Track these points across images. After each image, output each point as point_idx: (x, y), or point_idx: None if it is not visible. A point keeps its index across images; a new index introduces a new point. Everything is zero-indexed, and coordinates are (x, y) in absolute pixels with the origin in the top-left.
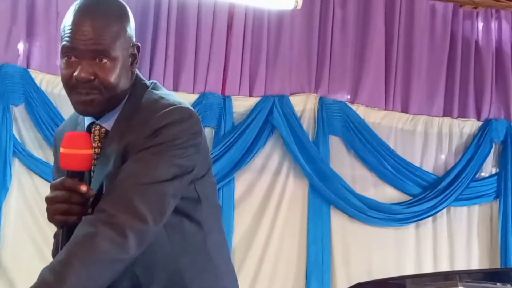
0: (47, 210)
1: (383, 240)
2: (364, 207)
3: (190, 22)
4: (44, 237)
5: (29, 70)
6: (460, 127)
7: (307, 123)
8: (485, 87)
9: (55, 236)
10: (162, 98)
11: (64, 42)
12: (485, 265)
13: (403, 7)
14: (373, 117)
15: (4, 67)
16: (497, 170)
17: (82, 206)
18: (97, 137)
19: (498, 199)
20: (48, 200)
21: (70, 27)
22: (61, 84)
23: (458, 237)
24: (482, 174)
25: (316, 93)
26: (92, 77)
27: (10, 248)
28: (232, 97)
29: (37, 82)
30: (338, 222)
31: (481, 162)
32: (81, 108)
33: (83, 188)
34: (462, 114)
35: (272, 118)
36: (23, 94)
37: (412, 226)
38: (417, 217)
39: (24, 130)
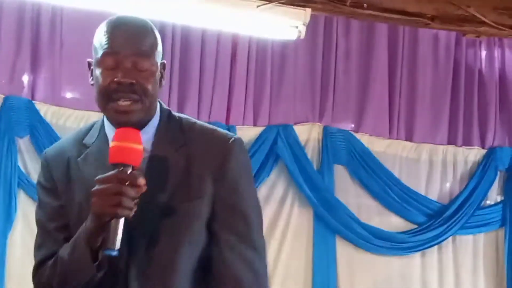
0: (94, 203)
1: (388, 269)
2: (369, 236)
3: (194, 52)
4: None
5: (34, 102)
6: (465, 155)
7: (312, 152)
8: (489, 115)
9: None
10: (208, 125)
11: (103, 50)
12: None
13: (406, 36)
14: (378, 145)
15: (9, 99)
16: (502, 198)
17: (132, 200)
18: None
19: (503, 227)
20: (98, 192)
21: (108, 36)
22: (65, 116)
23: (464, 266)
24: (487, 202)
25: (320, 122)
26: (134, 81)
27: (16, 282)
28: (236, 126)
29: (42, 113)
30: (344, 251)
31: (486, 190)
32: (122, 116)
33: (142, 181)
34: (467, 142)
35: (277, 147)
36: (28, 126)
37: (417, 255)
38: (423, 246)
39: (29, 161)
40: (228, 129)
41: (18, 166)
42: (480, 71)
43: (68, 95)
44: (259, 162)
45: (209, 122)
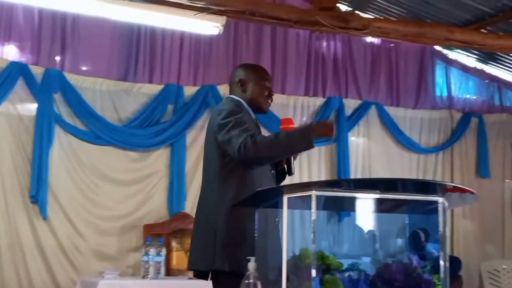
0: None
1: None
2: None
3: (158, 41)
4: (75, 172)
5: (62, 72)
6: (314, 102)
7: None
8: (327, 78)
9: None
10: None
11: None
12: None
13: (281, 33)
14: None
15: (48, 70)
16: None
17: None
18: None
19: (336, 143)
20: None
21: (264, 71)
22: (82, 80)
23: (313, 162)
24: None
25: None
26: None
27: (55, 177)
28: (184, 86)
29: (68, 79)
30: None
31: None
32: (268, 107)
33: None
34: (315, 94)
35: (207, 98)
36: (60, 86)
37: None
38: None
39: (60, 107)
40: (178, 88)
41: (54, 110)
42: (322, 54)
43: (83, 68)
44: (196, 106)
45: (167, 84)
